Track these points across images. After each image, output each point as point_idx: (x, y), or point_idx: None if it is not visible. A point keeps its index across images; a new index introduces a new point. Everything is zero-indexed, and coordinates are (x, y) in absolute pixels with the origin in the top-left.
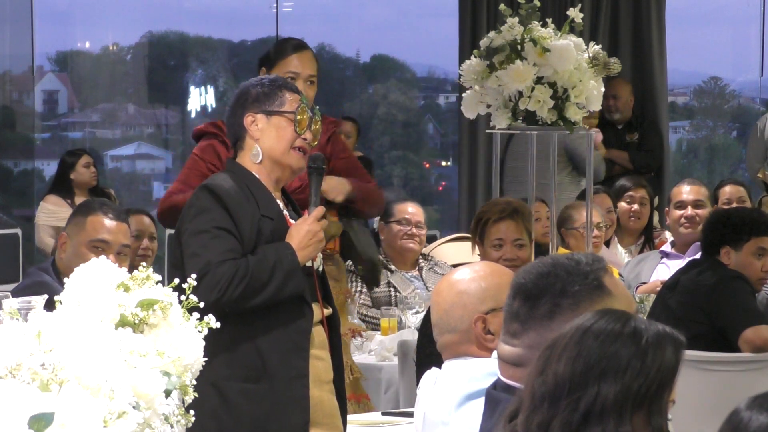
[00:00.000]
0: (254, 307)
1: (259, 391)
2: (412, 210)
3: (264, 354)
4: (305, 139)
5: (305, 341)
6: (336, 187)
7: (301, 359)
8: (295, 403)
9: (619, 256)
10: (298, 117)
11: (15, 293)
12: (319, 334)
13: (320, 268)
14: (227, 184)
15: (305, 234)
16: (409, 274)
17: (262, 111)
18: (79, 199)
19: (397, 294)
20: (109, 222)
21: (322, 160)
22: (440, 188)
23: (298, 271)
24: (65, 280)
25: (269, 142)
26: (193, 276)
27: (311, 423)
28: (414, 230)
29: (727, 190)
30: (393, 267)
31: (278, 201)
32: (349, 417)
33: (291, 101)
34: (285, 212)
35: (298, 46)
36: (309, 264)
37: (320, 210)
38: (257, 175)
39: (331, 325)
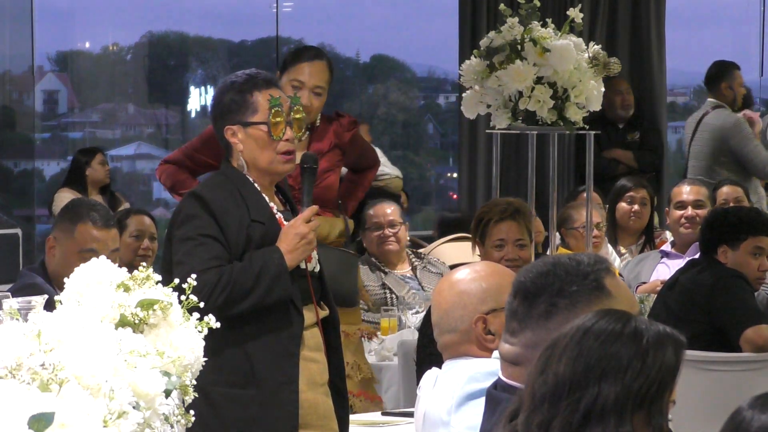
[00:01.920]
0: (240, 313)
1: (246, 396)
2: (383, 211)
3: (253, 359)
4: (288, 140)
5: (295, 346)
6: (323, 228)
7: (290, 364)
8: (283, 409)
9: (609, 256)
10: (273, 121)
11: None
12: (314, 336)
13: (316, 269)
14: (216, 189)
15: (293, 237)
16: (403, 274)
17: (237, 122)
18: (91, 197)
19: (393, 296)
20: (97, 232)
21: (314, 160)
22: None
23: (285, 276)
24: (56, 283)
25: (252, 154)
26: (193, 276)
27: (305, 426)
28: (387, 231)
29: (725, 191)
30: (386, 269)
31: (272, 204)
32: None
33: (263, 105)
34: (279, 215)
35: (314, 56)
36: (303, 266)
37: (310, 211)
38: (250, 178)
39: (330, 325)
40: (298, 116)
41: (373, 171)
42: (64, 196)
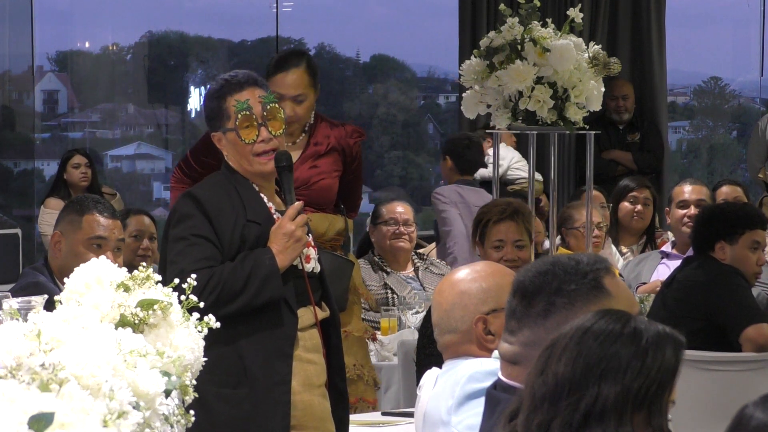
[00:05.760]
0: (231, 314)
1: (237, 396)
2: (399, 210)
3: (246, 359)
4: (263, 141)
5: (289, 347)
6: (322, 224)
7: (284, 365)
8: (276, 409)
9: (613, 256)
10: (241, 127)
11: (11, 294)
12: (312, 337)
13: (316, 270)
14: (212, 189)
15: (281, 237)
16: (405, 274)
17: (218, 129)
18: None
19: (394, 295)
20: (104, 220)
21: (287, 158)
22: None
23: (276, 276)
24: (61, 279)
25: (234, 157)
26: (193, 276)
27: (300, 427)
28: (402, 229)
29: (724, 191)
30: (389, 269)
31: (271, 203)
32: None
33: (233, 111)
34: (277, 215)
35: (290, 65)
36: (300, 267)
37: (293, 209)
38: (248, 178)
39: (330, 326)
40: (278, 114)
41: (348, 215)
42: (49, 212)
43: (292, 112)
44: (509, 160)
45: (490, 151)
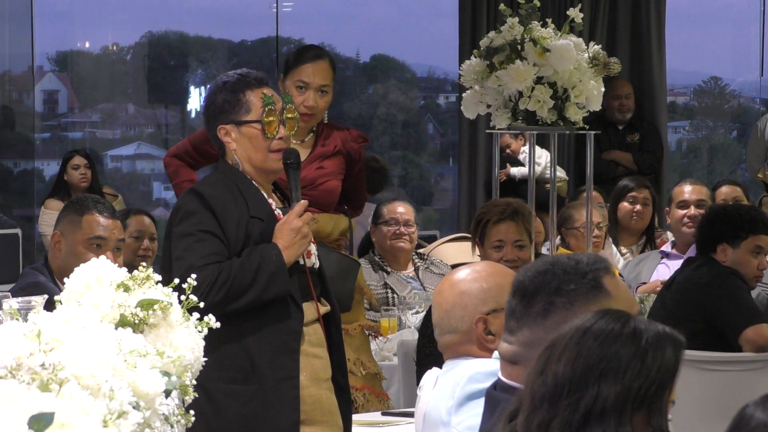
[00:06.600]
0: (239, 309)
1: (247, 392)
2: (400, 210)
3: (253, 355)
4: (281, 138)
5: (295, 342)
6: (327, 224)
7: (291, 360)
8: (284, 404)
9: (614, 256)
10: (266, 120)
11: (11, 294)
12: (316, 332)
13: (315, 265)
14: (215, 186)
15: (288, 233)
16: (405, 274)
17: (231, 122)
18: None
19: (395, 295)
20: (104, 220)
21: (296, 155)
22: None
23: (284, 272)
24: (61, 279)
25: (246, 152)
26: (193, 276)
27: (309, 422)
28: (402, 229)
29: (724, 191)
30: (389, 269)
31: (271, 200)
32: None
33: (256, 104)
34: (278, 211)
35: (316, 55)
36: (302, 262)
37: (301, 206)
38: (247, 175)
39: (331, 321)
40: (290, 115)
41: (355, 212)
42: (49, 214)
43: (314, 103)
44: (546, 159)
45: (526, 149)
